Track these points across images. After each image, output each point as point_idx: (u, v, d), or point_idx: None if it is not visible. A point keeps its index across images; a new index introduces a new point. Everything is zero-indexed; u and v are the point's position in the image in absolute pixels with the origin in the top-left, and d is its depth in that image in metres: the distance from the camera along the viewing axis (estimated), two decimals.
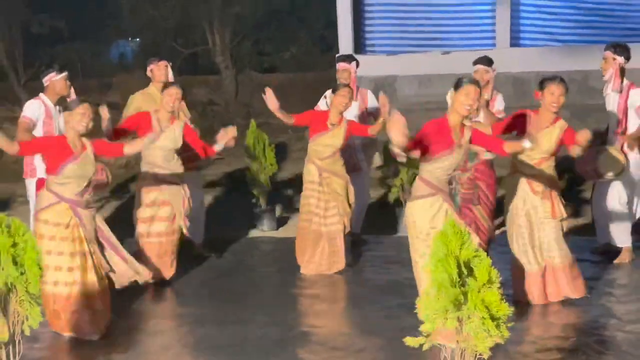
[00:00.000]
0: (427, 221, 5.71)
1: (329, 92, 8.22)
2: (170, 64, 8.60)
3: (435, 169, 5.72)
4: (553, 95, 6.45)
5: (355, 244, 8.60)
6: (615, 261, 7.81)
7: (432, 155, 5.66)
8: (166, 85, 7.71)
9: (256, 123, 9.79)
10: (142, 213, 7.52)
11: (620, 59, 7.70)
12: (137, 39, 20.67)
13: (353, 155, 8.45)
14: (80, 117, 6.14)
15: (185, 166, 7.88)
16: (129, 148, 6.53)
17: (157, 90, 8.13)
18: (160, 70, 8.33)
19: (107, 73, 17.94)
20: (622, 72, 7.73)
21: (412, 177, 8.83)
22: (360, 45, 15.19)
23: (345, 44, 14.71)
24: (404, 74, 14.33)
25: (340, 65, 8.70)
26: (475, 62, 8.39)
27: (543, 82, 6.60)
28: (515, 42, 14.67)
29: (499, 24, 14.54)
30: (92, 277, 6.28)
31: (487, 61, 8.36)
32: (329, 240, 7.80)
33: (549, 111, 6.50)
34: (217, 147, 7.51)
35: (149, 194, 7.50)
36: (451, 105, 5.71)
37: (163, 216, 7.51)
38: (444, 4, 15.17)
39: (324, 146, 7.74)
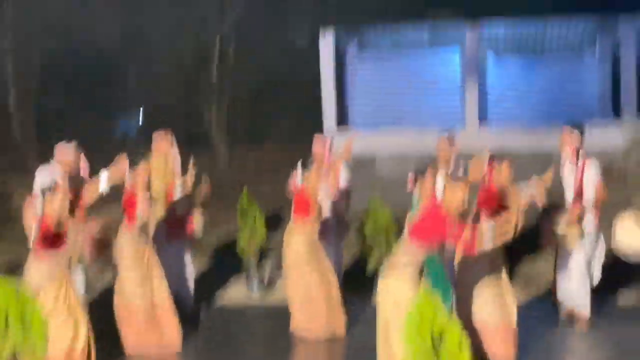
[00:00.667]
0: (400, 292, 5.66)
1: (299, 167, 8.25)
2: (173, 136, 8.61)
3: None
4: (510, 168, 6.74)
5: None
6: (575, 326, 7.78)
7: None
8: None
9: (248, 191, 9.79)
10: (135, 279, 7.38)
11: (575, 136, 7.79)
12: (140, 114, 20.75)
13: (328, 229, 8.42)
14: (60, 203, 6.10)
15: (183, 237, 7.89)
16: (88, 194, 6.49)
17: (160, 163, 8.18)
18: (164, 140, 8.36)
19: (112, 147, 17.96)
20: (578, 148, 7.82)
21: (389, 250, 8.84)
22: (342, 122, 15.32)
23: (329, 121, 14.86)
24: (382, 149, 14.41)
25: (318, 139, 8.73)
26: (440, 136, 8.55)
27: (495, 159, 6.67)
28: (482, 121, 14.85)
29: (468, 104, 14.74)
30: (83, 331, 6.24)
31: (450, 136, 8.52)
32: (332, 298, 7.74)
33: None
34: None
35: (135, 260, 7.40)
36: (443, 194, 5.69)
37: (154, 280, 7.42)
38: (418, 85, 15.39)
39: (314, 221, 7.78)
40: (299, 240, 7.68)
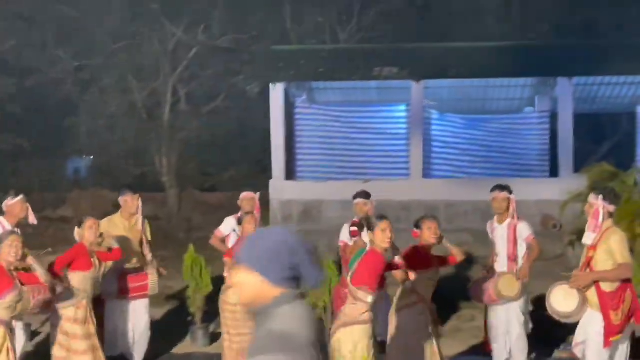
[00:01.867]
0: (356, 345, 5.69)
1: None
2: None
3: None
4: (430, 229, 6.90)
5: None
6: None
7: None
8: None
9: (196, 236, 9.68)
10: (78, 345, 7.10)
11: (503, 194, 7.69)
12: (92, 157, 20.51)
13: None
14: (8, 249, 5.96)
15: (134, 293, 7.73)
16: (42, 276, 6.35)
17: (124, 220, 8.05)
18: (133, 203, 8.16)
19: (63, 188, 17.70)
20: (508, 205, 7.74)
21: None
22: (291, 172, 15.28)
23: (278, 171, 14.80)
24: (329, 199, 14.41)
25: (247, 195, 8.66)
26: (355, 197, 8.59)
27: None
28: (427, 173, 14.93)
29: (413, 157, 14.82)
30: None
31: (365, 195, 8.59)
32: None
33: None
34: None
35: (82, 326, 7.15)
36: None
37: (95, 345, 7.16)
38: (366, 138, 15.46)
39: None
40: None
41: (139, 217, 8.23)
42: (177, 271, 11.35)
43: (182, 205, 17.05)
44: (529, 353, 7.97)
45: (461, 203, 14.04)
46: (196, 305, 9.12)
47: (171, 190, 17.12)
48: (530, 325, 7.96)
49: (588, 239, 6.37)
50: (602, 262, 6.27)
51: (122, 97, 17.38)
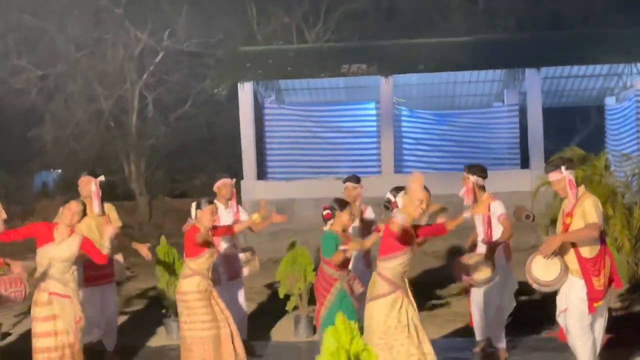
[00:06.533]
0: (384, 320, 5.69)
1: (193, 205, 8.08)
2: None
3: (397, 264, 5.73)
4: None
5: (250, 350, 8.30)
6: (492, 358, 7.79)
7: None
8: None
9: (168, 243, 9.59)
10: (38, 328, 6.82)
11: (473, 178, 7.67)
12: (59, 170, 20.36)
13: (234, 262, 8.27)
14: None
15: (102, 281, 7.63)
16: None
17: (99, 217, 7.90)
18: (85, 185, 8.00)
19: (30, 200, 17.56)
20: (479, 188, 7.80)
21: (309, 285, 8.77)
22: (262, 172, 15.33)
23: (249, 171, 14.83)
24: (301, 198, 14.47)
25: (225, 181, 8.46)
26: (345, 180, 8.61)
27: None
28: (398, 169, 15.05)
29: (384, 153, 14.93)
30: None
31: (355, 179, 8.60)
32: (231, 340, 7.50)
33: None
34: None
35: (42, 309, 6.88)
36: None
37: (59, 330, 7.03)
38: (336, 137, 15.55)
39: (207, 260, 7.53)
40: (201, 280, 7.42)
41: (95, 201, 7.96)
42: (151, 277, 11.34)
43: (152, 212, 17.00)
44: (507, 335, 8.03)
45: (433, 197, 14.11)
46: (169, 298, 9.09)
47: (141, 197, 17.08)
48: (510, 306, 7.96)
49: (567, 206, 6.43)
50: (579, 227, 6.31)
51: (88, 104, 17.32)
